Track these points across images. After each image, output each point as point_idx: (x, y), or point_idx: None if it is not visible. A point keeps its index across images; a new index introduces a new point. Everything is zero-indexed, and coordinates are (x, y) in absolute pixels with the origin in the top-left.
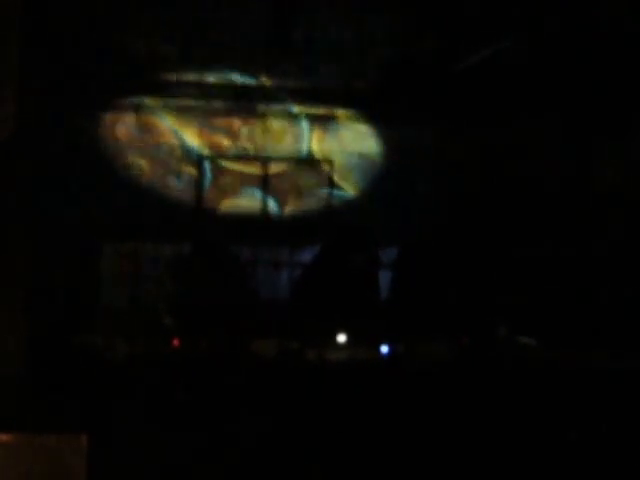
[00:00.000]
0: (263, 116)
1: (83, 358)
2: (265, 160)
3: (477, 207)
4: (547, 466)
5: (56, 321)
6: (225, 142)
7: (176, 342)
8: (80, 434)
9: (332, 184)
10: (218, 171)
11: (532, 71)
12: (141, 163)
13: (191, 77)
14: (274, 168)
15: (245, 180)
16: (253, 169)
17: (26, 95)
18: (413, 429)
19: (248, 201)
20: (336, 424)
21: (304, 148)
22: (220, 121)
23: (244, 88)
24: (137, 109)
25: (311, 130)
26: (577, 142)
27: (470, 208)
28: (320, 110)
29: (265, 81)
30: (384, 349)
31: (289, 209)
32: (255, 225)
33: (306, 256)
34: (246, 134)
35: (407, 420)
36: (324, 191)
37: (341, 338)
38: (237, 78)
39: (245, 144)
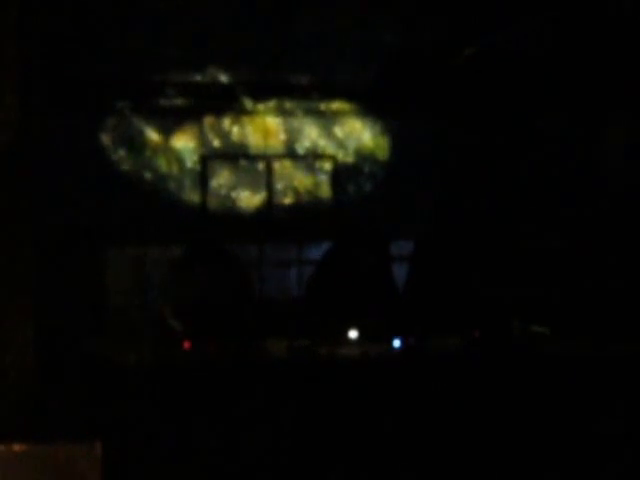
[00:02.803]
0: (263, 113)
1: (93, 362)
2: (266, 158)
3: (486, 200)
4: (559, 456)
5: (66, 326)
6: (221, 141)
7: (187, 345)
8: (94, 442)
9: (334, 180)
10: (219, 171)
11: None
12: (142, 166)
13: (187, 77)
14: (275, 166)
15: (247, 179)
16: (254, 167)
17: (27, 99)
18: (425, 423)
19: (252, 200)
20: (348, 419)
21: (305, 145)
22: (218, 120)
23: (241, 85)
24: (135, 111)
25: (313, 126)
26: (586, 133)
27: (479, 201)
28: (323, 106)
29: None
30: (396, 343)
31: (292, 207)
32: (260, 224)
33: (314, 254)
34: (244, 132)
35: (418, 414)
36: (326, 188)
37: (353, 334)
38: (234, 75)
39: (243, 142)
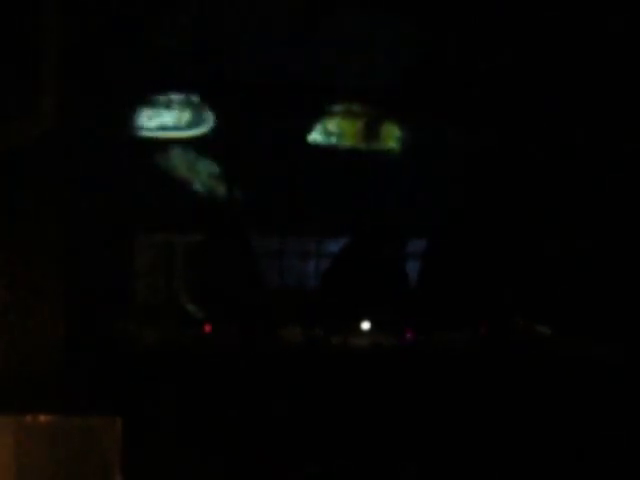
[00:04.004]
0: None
1: (118, 344)
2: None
3: (494, 199)
4: (559, 455)
5: (92, 309)
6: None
7: (208, 328)
8: (115, 417)
9: (353, 177)
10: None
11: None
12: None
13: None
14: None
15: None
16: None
17: (64, 90)
18: (431, 415)
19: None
20: (357, 407)
21: (326, 142)
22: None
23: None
24: (170, 103)
25: (332, 125)
26: (594, 136)
27: (487, 200)
28: (342, 107)
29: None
30: (407, 336)
31: (312, 202)
32: (282, 215)
33: (332, 247)
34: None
35: (425, 405)
36: (345, 185)
37: (365, 325)
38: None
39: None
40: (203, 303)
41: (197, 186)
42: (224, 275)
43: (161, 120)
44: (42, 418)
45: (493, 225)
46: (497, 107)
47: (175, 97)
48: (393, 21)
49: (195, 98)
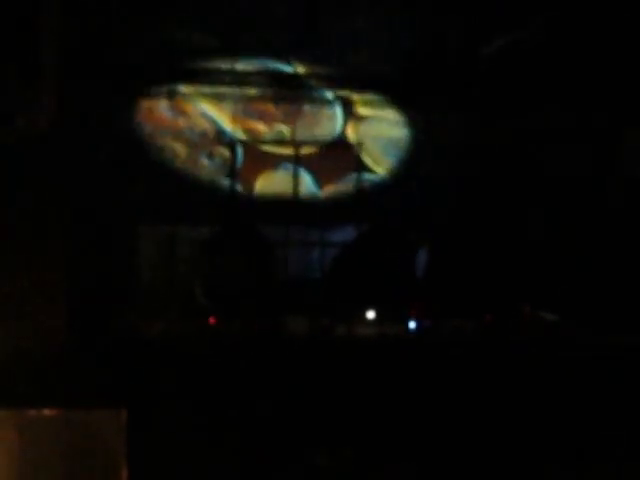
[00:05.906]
0: (297, 101)
1: (122, 338)
2: (299, 143)
3: (501, 188)
4: (566, 441)
5: (95, 302)
6: (260, 126)
7: (212, 320)
8: (120, 410)
9: (364, 167)
10: (252, 153)
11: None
12: (176, 147)
13: (227, 65)
14: (308, 151)
15: (279, 162)
16: (287, 151)
17: (64, 84)
18: (435, 404)
19: (281, 182)
20: (362, 396)
21: (337, 131)
22: (255, 106)
23: (279, 75)
24: (173, 95)
25: (344, 114)
26: (602, 125)
27: (494, 189)
28: (352, 95)
29: (298, 67)
30: (411, 325)
31: (322, 191)
32: (288, 206)
33: (336, 237)
34: (281, 119)
35: (430, 395)
36: (356, 174)
37: (370, 315)
38: (272, 65)
39: (280, 128)
40: (208, 295)
41: (199, 179)
42: (229, 267)
43: None
44: (46, 412)
45: (499, 215)
46: (497, 100)
47: None
48: (394, 14)
49: None
